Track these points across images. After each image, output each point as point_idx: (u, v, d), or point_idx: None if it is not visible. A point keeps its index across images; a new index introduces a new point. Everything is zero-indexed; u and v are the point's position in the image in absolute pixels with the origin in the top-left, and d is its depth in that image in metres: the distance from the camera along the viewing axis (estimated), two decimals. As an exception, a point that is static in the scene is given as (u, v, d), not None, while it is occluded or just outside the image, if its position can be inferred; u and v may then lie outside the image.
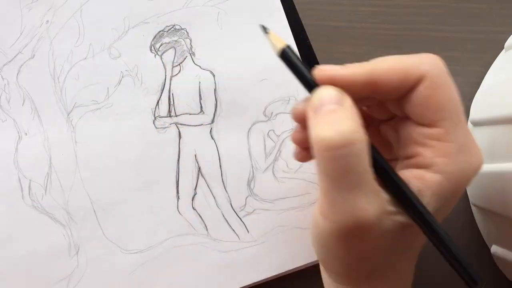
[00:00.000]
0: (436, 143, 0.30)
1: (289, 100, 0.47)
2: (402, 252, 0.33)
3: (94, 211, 0.44)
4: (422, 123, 0.31)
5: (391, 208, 0.30)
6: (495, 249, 0.44)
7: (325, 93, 0.30)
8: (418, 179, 0.30)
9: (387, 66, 0.30)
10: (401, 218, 0.30)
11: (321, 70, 0.31)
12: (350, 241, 0.29)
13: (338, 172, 0.28)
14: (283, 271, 0.44)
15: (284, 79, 0.47)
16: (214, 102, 0.47)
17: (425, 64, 0.30)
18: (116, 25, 0.49)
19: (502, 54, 0.47)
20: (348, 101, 0.29)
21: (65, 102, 0.47)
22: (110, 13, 0.49)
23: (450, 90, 0.30)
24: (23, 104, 0.47)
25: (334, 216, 0.29)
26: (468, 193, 0.46)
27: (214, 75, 0.47)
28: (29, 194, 0.45)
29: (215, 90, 0.47)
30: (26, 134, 0.46)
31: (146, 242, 0.44)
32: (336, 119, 0.28)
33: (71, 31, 0.48)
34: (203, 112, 0.47)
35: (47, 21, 0.48)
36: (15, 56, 0.47)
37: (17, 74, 0.47)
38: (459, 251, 0.30)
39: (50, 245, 0.44)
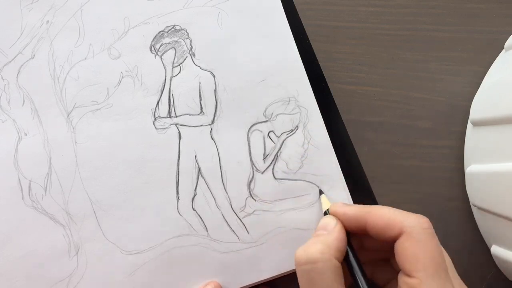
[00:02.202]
0: None
1: (289, 101, 0.47)
2: None
3: (94, 212, 0.44)
4: (403, 271, 0.35)
5: None
6: (495, 249, 0.44)
7: (324, 221, 0.40)
8: None
9: (378, 213, 0.38)
10: None
11: (332, 206, 0.41)
12: None
13: (304, 284, 0.37)
14: (283, 271, 0.44)
15: (284, 80, 0.47)
16: (214, 102, 0.47)
17: (409, 221, 0.36)
18: (116, 26, 0.49)
19: (502, 54, 0.47)
20: (336, 230, 0.38)
21: (65, 102, 0.47)
22: (110, 13, 0.49)
23: (429, 246, 0.35)
24: (23, 104, 0.47)
25: None
26: (468, 193, 0.46)
27: (214, 76, 0.47)
28: (29, 195, 0.45)
29: (215, 90, 0.47)
30: (26, 134, 0.46)
31: (146, 242, 0.44)
32: (313, 242, 0.37)
33: (71, 32, 0.48)
34: (203, 113, 0.47)
35: (47, 21, 0.48)
36: (15, 57, 0.47)
37: (17, 75, 0.47)
38: None
39: (50, 246, 0.44)
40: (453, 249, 0.43)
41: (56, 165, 0.45)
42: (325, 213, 0.42)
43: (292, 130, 0.46)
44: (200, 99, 0.47)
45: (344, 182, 0.45)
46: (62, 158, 0.46)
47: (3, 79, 0.47)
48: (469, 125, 0.47)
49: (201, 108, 0.47)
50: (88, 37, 0.48)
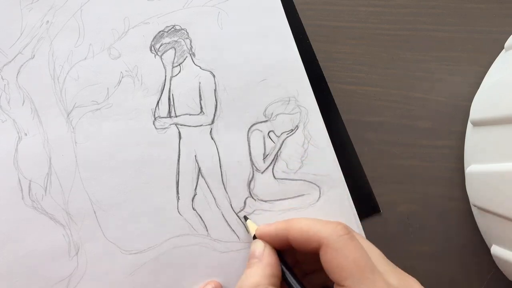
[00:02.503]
0: None
1: (289, 101, 0.47)
2: None
3: (94, 212, 0.44)
4: (334, 282, 0.36)
5: None
6: (495, 249, 0.44)
7: (252, 247, 0.41)
8: None
9: (297, 227, 0.38)
10: None
11: (258, 230, 0.41)
12: None
13: None
14: (283, 271, 0.45)
15: (284, 80, 0.47)
16: (214, 102, 0.47)
17: (324, 231, 0.36)
18: (116, 26, 0.49)
19: (502, 54, 0.47)
20: (265, 256, 0.39)
21: (65, 102, 0.47)
22: (110, 13, 0.49)
23: (348, 252, 0.35)
24: (23, 104, 0.47)
25: None
26: (468, 193, 0.46)
27: (214, 76, 0.47)
28: (29, 195, 0.45)
29: (215, 90, 0.47)
30: (26, 134, 0.46)
31: (146, 242, 0.44)
32: (247, 276, 0.38)
33: (71, 32, 0.48)
34: (203, 113, 0.47)
35: (47, 21, 0.48)
36: (15, 57, 0.47)
37: (17, 75, 0.47)
38: None
39: (50, 246, 0.44)
40: (453, 249, 0.44)
41: (56, 165, 0.45)
42: (254, 237, 0.42)
43: (292, 130, 0.46)
44: (200, 99, 0.47)
45: (344, 182, 0.45)
46: (62, 158, 0.46)
47: (3, 79, 0.47)
48: (469, 125, 0.47)
49: (201, 108, 0.47)
50: (88, 37, 0.48)
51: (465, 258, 0.45)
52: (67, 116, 0.47)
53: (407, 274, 0.37)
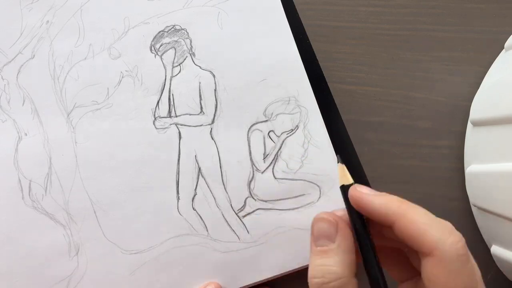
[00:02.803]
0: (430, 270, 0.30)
1: (289, 101, 0.47)
2: None
3: (94, 212, 0.44)
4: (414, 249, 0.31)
5: None
6: (495, 249, 0.44)
7: (324, 224, 0.34)
8: None
9: (412, 219, 0.32)
10: None
11: (356, 191, 0.34)
12: None
13: None
14: (283, 271, 0.44)
15: (284, 80, 0.47)
16: (214, 102, 0.47)
17: (443, 243, 0.30)
18: (116, 26, 0.49)
19: (502, 54, 0.47)
20: (339, 240, 0.33)
21: (65, 102, 0.47)
22: (110, 13, 0.49)
23: (461, 277, 0.30)
24: (23, 104, 0.47)
25: None
26: (468, 193, 0.46)
27: (214, 76, 0.47)
28: (29, 195, 0.45)
29: (215, 90, 0.47)
30: (26, 134, 0.46)
31: (146, 242, 0.44)
32: (325, 264, 0.32)
33: (71, 32, 0.48)
34: (203, 113, 0.47)
35: (47, 21, 0.48)
36: (15, 57, 0.47)
37: (17, 75, 0.47)
38: None
39: (50, 246, 0.44)
40: None
41: (56, 165, 0.45)
42: (342, 189, 0.36)
43: (292, 130, 0.46)
44: (200, 99, 0.47)
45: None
46: (62, 158, 0.46)
47: (3, 79, 0.47)
48: (469, 125, 0.47)
49: (201, 108, 0.47)
50: (88, 37, 0.48)
51: None
52: (67, 116, 0.47)
53: None
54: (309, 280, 0.33)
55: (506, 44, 0.47)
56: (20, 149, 0.46)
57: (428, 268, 0.31)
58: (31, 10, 0.48)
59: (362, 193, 0.34)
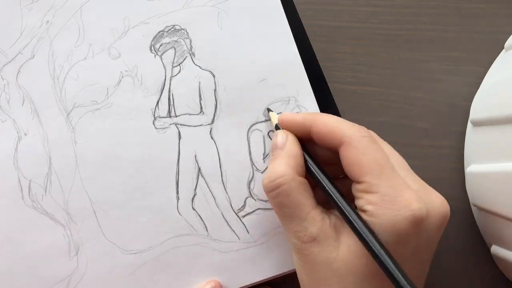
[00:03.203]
0: (363, 194, 0.35)
1: (289, 101, 0.47)
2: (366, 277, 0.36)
3: (94, 212, 0.44)
4: (352, 179, 0.36)
5: (334, 233, 0.36)
6: (495, 249, 0.44)
7: (275, 138, 0.41)
8: None
9: (323, 120, 0.38)
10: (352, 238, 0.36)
11: (281, 117, 0.42)
12: (306, 265, 0.37)
13: (276, 208, 0.38)
14: (283, 271, 0.44)
15: (284, 80, 0.47)
16: (214, 102, 0.47)
17: (348, 130, 0.37)
18: (116, 25, 0.48)
19: (502, 54, 0.47)
20: (289, 146, 0.39)
21: (65, 102, 0.47)
22: (110, 13, 0.48)
23: (369, 151, 0.35)
24: (22, 104, 0.47)
25: (290, 242, 0.38)
26: (468, 193, 0.46)
27: (214, 76, 0.47)
28: (29, 195, 0.44)
29: (215, 90, 0.47)
30: (25, 134, 0.46)
31: (146, 242, 0.44)
32: (273, 167, 0.38)
33: (71, 32, 0.48)
34: (203, 113, 0.47)
35: (47, 21, 0.48)
36: (15, 57, 0.47)
37: (17, 75, 0.47)
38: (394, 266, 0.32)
39: (50, 246, 0.44)
40: (453, 249, 0.44)
41: (56, 165, 0.45)
42: (276, 127, 0.43)
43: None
44: (200, 99, 0.47)
45: None
46: (62, 158, 0.45)
47: (2, 79, 0.47)
48: (469, 125, 0.47)
49: (201, 107, 0.47)
50: (88, 37, 0.48)
51: (465, 258, 0.45)
52: (66, 116, 0.46)
53: (431, 188, 0.37)
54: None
55: (506, 44, 0.47)
56: (20, 149, 0.46)
57: (343, 154, 0.36)
58: (31, 10, 0.48)
59: (287, 114, 0.42)
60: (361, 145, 0.36)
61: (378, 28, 0.51)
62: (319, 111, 0.46)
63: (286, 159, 0.38)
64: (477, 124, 0.45)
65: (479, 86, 0.48)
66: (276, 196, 0.37)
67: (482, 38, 0.50)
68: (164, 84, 0.47)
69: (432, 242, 0.36)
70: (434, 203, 0.35)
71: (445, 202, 0.37)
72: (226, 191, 0.45)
